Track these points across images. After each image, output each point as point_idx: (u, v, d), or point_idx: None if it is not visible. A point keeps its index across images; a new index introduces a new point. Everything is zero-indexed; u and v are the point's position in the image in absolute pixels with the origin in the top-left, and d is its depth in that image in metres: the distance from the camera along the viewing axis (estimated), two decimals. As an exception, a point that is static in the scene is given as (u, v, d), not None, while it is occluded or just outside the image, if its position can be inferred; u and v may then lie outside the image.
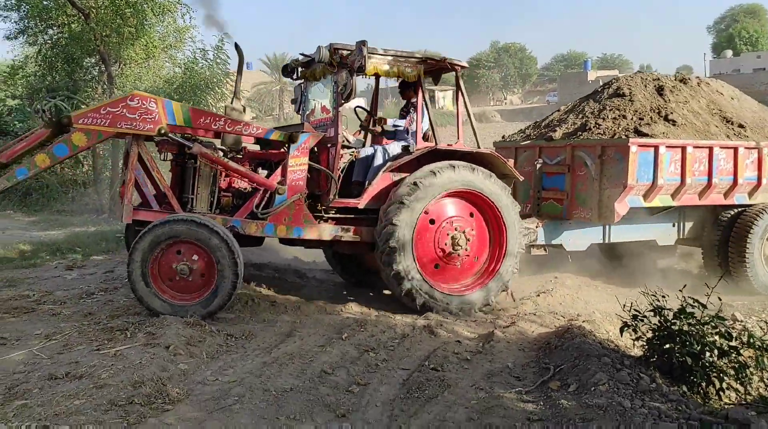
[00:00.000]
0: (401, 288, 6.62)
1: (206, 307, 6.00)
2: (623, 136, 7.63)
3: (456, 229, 6.88)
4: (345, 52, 6.63)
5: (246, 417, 4.01)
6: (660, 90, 8.42)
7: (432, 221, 6.84)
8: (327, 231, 6.78)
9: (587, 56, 79.75)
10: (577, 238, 8.16)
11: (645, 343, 4.73)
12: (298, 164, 6.64)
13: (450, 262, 6.92)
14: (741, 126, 8.16)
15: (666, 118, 7.88)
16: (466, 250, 6.90)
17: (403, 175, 6.83)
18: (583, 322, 5.99)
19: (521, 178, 7.54)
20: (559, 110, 9.63)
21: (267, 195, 6.64)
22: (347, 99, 6.71)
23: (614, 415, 3.85)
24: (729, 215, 8.30)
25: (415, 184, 6.63)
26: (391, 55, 6.79)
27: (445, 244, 6.85)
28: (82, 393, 4.19)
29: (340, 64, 6.66)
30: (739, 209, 8.28)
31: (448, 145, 7.07)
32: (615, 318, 5.75)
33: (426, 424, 4.00)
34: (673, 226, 8.47)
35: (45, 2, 12.77)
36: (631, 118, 7.99)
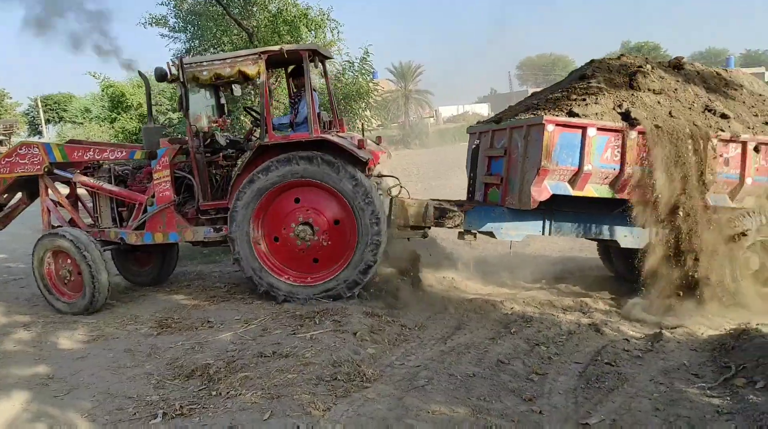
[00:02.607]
0: (246, 275, 7.00)
1: (86, 304, 6.99)
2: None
3: (303, 220, 6.95)
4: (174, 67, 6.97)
5: (440, 396, 4.38)
6: (632, 76, 7.22)
7: (281, 213, 6.98)
8: (200, 232, 7.21)
9: (729, 53, 74.75)
10: (511, 228, 7.36)
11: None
12: (161, 177, 7.23)
13: (301, 252, 7.00)
14: (724, 116, 6.91)
15: (619, 105, 6.77)
16: (315, 239, 6.95)
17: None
18: (757, 324, 5.87)
19: (366, 158, 6.88)
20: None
21: (143, 207, 7.35)
22: (180, 109, 7.28)
23: (811, 411, 3.85)
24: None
25: (251, 180, 6.83)
26: (218, 60, 6.92)
27: (294, 235, 6.96)
28: (292, 369, 4.76)
29: (179, 78, 6.94)
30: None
31: (285, 136, 7.05)
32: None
33: (612, 411, 4.18)
34: (644, 226, 7.20)
35: (208, 23, 13.98)
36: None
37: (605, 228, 7.34)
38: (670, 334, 5.91)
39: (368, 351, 5.28)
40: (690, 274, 6.77)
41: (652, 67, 7.31)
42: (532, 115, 6.82)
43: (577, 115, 6.53)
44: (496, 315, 6.50)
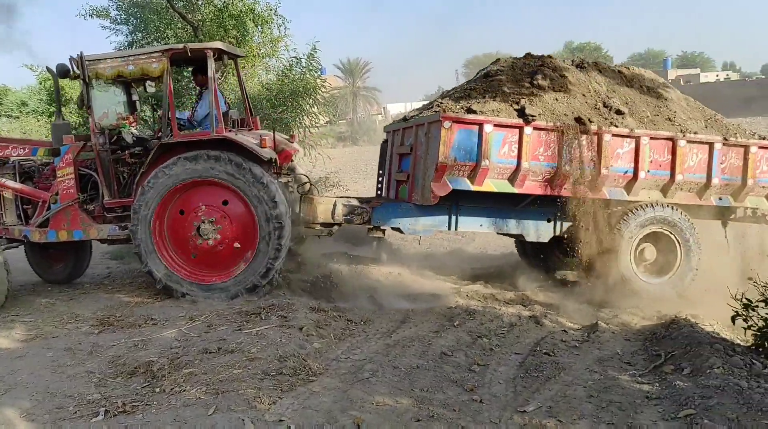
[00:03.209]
0: (145, 270, 7.04)
1: None
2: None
3: (204, 219, 6.97)
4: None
5: (384, 388, 4.47)
6: (533, 74, 7.39)
7: (182, 212, 7.04)
8: (105, 230, 7.24)
9: (666, 54, 77.35)
10: (417, 223, 7.53)
11: (757, 332, 4.91)
12: (65, 174, 7.20)
13: (201, 250, 7.03)
14: (619, 112, 7.11)
15: (517, 102, 6.97)
16: (216, 238, 6.96)
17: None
18: (687, 315, 6.18)
19: (267, 157, 6.96)
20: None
21: (47, 205, 7.31)
22: (81, 106, 7.33)
23: (732, 394, 4.09)
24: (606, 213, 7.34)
25: (155, 176, 6.86)
26: (121, 57, 6.97)
27: (194, 234, 6.99)
28: (238, 364, 4.76)
29: (81, 75, 6.92)
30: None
31: (188, 134, 7.09)
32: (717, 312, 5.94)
33: (548, 399, 4.36)
34: (549, 221, 7.52)
35: (151, 16, 13.72)
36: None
37: (511, 222, 7.55)
38: (606, 325, 6.17)
39: (314, 345, 5.32)
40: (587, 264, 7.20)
41: (555, 67, 7.55)
42: (433, 113, 7.05)
43: (474, 112, 6.75)
44: (440, 309, 6.64)
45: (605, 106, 7.19)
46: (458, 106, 6.89)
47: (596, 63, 7.96)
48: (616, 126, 6.96)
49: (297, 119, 12.86)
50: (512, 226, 7.53)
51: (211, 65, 6.94)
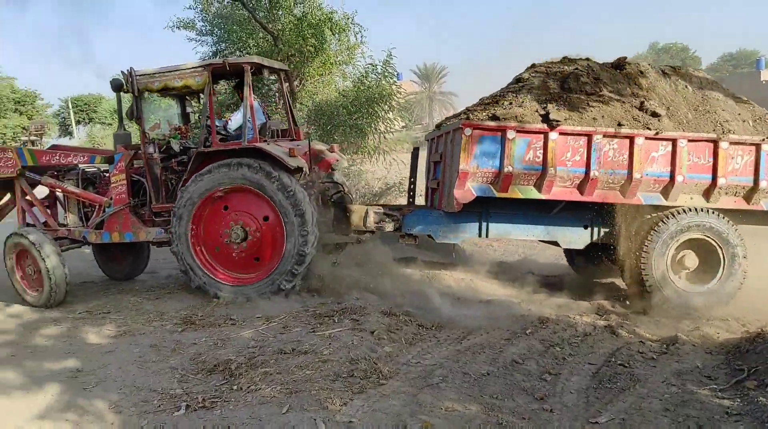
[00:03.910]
0: (182, 269, 7.50)
1: (45, 298, 7.42)
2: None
3: (235, 224, 7.32)
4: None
5: (453, 393, 4.50)
6: (566, 78, 7.27)
7: (222, 211, 7.37)
8: (153, 233, 7.66)
9: (760, 54, 73.36)
10: (447, 230, 7.55)
11: None
12: (117, 180, 7.71)
13: (232, 253, 7.37)
14: (655, 114, 6.86)
15: (544, 107, 6.87)
16: (246, 242, 7.30)
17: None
18: (774, 328, 5.89)
19: (294, 167, 7.14)
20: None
21: (102, 208, 7.84)
22: (131, 117, 7.69)
23: (821, 413, 3.89)
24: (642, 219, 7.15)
25: (193, 182, 7.24)
26: (167, 72, 7.32)
27: (226, 237, 7.33)
28: (311, 365, 4.91)
29: (130, 88, 7.37)
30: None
31: (226, 143, 7.43)
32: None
33: (622, 411, 4.26)
34: (585, 227, 7.36)
35: (234, 27, 14.24)
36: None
37: (544, 229, 7.44)
38: (686, 337, 5.95)
39: (385, 349, 5.41)
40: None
41: (590, 70, 7.36)
42: (458, 120, 7.06)
43: (498, 118, 6.73)
44: (512, 316, 6.59)
45: (641, 108, 6.98)
46: (484, 113, 6.91)
47: (638, 64, 7.71)
48: (650, 129, 6.75)
49: (372, 125, 13.05)
50: (545, 232, 7.46)
51: (248, 79, 7.30)
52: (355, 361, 4.97)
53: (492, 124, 6.72)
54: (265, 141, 7.49)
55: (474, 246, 11.07)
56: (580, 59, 7.64)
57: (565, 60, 7.69)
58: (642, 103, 7.00)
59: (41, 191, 8.44)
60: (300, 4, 13.74)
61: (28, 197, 8.21)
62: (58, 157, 8.02)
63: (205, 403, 4.43)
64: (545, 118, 6.74)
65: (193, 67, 7.32)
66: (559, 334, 5.95)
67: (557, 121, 6.67)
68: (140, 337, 6.14)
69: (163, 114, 8.80)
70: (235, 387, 4.67)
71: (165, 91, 7.72)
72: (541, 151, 6.74)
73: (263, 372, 4.84)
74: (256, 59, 7.56)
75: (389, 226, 7.75)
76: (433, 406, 4.26)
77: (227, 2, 14.55)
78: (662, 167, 6.83)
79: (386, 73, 14.02)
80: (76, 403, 4.61)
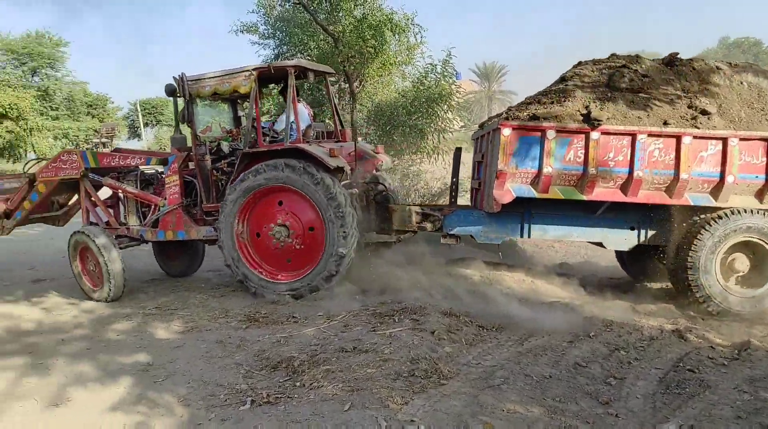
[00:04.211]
0: (226, 263, 7.76)
1: (106, 293, 7.82)
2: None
3: (277, 222, 7.52)
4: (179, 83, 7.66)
5: (514, 395, 4.46)
6: (611, 76, 7.05)
7: (263, 213, 7.59)
8: (203, 231, 7.94)
9: (842, 46, 69.46)
10: (488, 230, 7.48)
11: None
12: (171, 181, 8.01)
13: (276, 250, 7.59)
14: (704, 113, 6.61)
15: (586, 106, 6.71)
16: (287, 240, 7.51)
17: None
18: None
19: (334, 166, 7.21)
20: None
21: (157, 208, 8.18)
22: (183, 121, 7.94)
23: None
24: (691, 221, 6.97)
25: (241, 180, 7.47)
26: (216, 77, 7.54)
27: (269, 235, 7.56)
28: (372, 364, 4.95)
29: (182, 93, 7.67)
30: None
31: (270, 144, 7.62)
32: None
33: (691, 417, 4.13)
34: (632, 229, 7.22)
35: (296, 30, 14.48)
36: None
37: (588, 230, 7.30)
38: (759, 342, 5.72)
39: (445, 349, 5.41)
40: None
41: (639, 67, 7.14)
42: (497, 119, 6.98)
43: (537, 118, 6.62)
44: (574, 318, 6.47)
45: (690, 106, 6.73)
46: (525, 113, 6.80)
47: (690, 60, 7.41)
48: (698, 128, 6.50)
49: (431, 125, 13.04)
50: (589, 233, 7.35)
51: (291, 81, 7.44)
52: (416, 361, 4.98)
53: (531, 123, 6.64)
54: (308, 142, 7.63)
55: (535, 247, 10.93)
56: (629, 56, 7.48)
57: (613, 57, 7.54)
58: (691, 100, 6.79)
59: (105, 192, 8.84)
60: (360, 5, 13.84)
61: (91, 198, 8.60)
62: (117, 160, 8.39)
63: (270, 398, 4.53)
64: (586, 118, 6.62)
65: (240, 72, 7.52)
66: (624, 338, 5.81)
67: (599, 120, 6.54)
68: (206, 333, 6.32)
69: (216, 117, 9.10)
70: (297, 384, 4.76)
71: (215, 96, 7.96)
72: (582, 151, 6.64)
73: (325, 369, 4.92)
74: (300, 62, 7.75)
75: (430, 226, 7.83)
76: (494, 407, 4.24)
77: (289, 5, 14.81)
78: (712, 167, 6.64)
79: (445, 73, 13.98)
80: (147, 396, 4.79)
